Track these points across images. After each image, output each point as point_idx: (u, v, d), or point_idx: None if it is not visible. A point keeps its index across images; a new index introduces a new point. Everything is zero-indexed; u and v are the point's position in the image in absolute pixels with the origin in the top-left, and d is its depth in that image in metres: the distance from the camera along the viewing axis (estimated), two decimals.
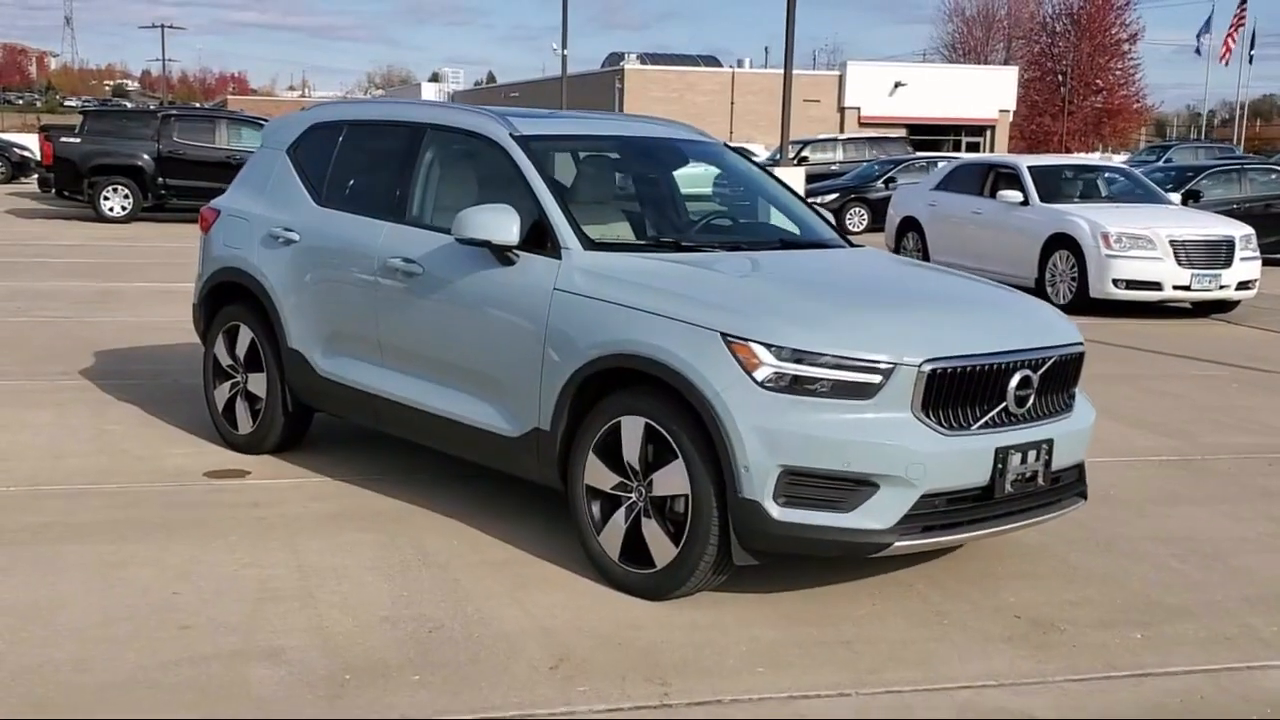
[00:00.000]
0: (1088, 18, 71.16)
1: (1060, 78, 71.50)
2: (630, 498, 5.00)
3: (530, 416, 5.38)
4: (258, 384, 6.87)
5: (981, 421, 4.81)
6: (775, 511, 4.61)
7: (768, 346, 4.65)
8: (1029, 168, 15.79)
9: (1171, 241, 14.02)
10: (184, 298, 13.60)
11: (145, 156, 22.89)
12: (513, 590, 5.10)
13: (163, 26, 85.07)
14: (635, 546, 4.99)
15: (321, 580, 5.13)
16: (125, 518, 5.84)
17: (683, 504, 4.83)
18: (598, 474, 5.11)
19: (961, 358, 4.75)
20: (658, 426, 4.86)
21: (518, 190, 5.69)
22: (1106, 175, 16.86)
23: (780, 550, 4.75)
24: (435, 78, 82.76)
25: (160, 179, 22.96)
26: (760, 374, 4.63)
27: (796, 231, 6.26)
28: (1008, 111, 64.41)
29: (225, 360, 7.08)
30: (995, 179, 16.21)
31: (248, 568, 5.25)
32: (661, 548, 4.89)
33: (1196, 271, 14.06)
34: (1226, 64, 64.34)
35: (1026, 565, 5.55)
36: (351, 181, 6.61)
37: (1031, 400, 4.92)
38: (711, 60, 72.50)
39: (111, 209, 22.74)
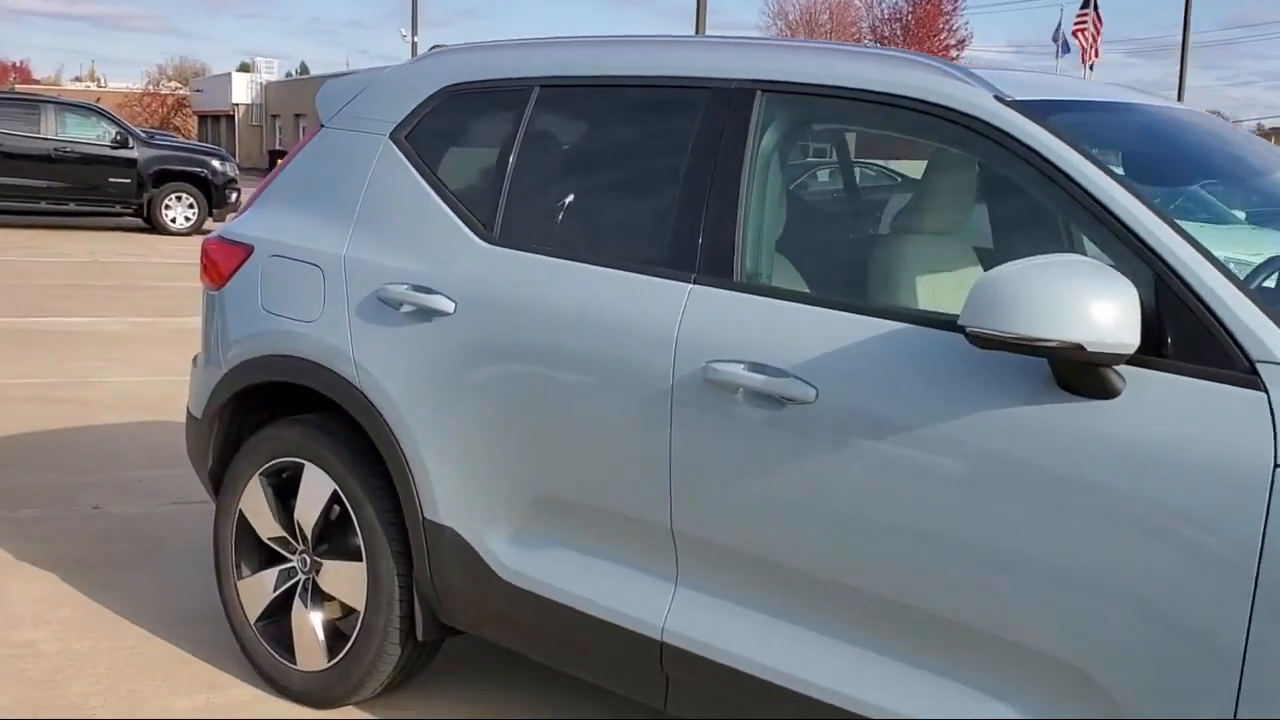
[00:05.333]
0: (916, 23, 70.44)
1: None
2: None
3: None
4: (344, 581, 3.58)
5: None
6: None
7: None
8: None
9: None
10: (49, 342, 9.71)
11: None
12: None
13: None
14: None
15: None
16: None
17: None
18: None
19: None
20: None
21: (1056, 224, 2.60)
22: None
23: None
24: (245, 68, 77.17)
25: None
26: None
27: None
28: None
29: (268, 529, 3.76)
30: None
31: None
32: None
33: None
34: (1092, 65, 63.96)
35: None
36: (569, 199, 3.36)
37: None
38: None
39: None
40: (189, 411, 4.07)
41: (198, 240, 18.72)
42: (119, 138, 19.25)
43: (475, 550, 3.29)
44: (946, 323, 2.56)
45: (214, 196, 19.72)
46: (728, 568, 2.88)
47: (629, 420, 2.98)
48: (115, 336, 9.87)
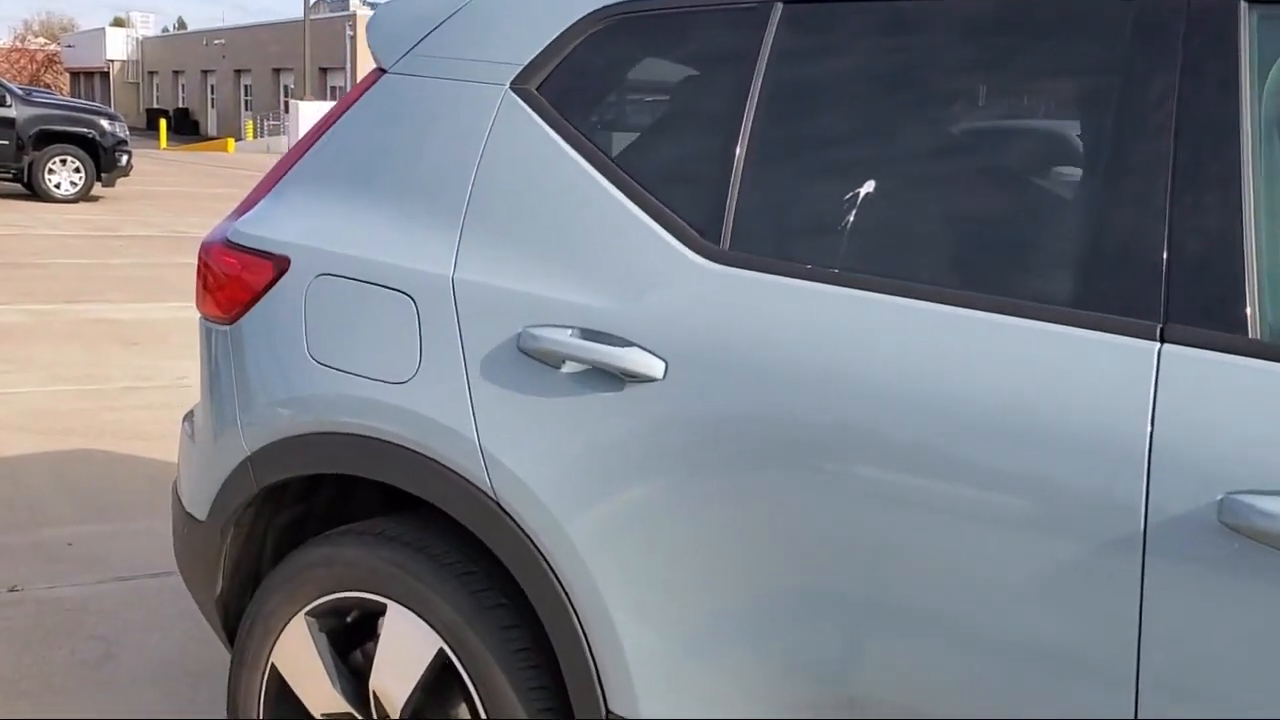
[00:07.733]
0: None
1: None
2: None
3: None
4: None
5: None
6: None
7: None
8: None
9: None
10: None
11: None
12: None
13: None
14: None
15: None
16: None
17: None
18: None
19: None
20: None
21: None
22: None
23: None
24: (120, 23, 73.94)
25: None
26: None
27: None
28: None
29: (322, 699, 2.41)
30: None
31: None
32: None
33: None
34: None
35: None
36: (866, 187, 2.03)
37: None
38: None
39: None
40: (182, 508, 2.69)
41: (85, 208, 16.95)
42: None
43: None
44: None
45: (103, 160, 17.92)
46: None
47: (1045, 585, 1.70)
48: (9, 330, 8.31)
